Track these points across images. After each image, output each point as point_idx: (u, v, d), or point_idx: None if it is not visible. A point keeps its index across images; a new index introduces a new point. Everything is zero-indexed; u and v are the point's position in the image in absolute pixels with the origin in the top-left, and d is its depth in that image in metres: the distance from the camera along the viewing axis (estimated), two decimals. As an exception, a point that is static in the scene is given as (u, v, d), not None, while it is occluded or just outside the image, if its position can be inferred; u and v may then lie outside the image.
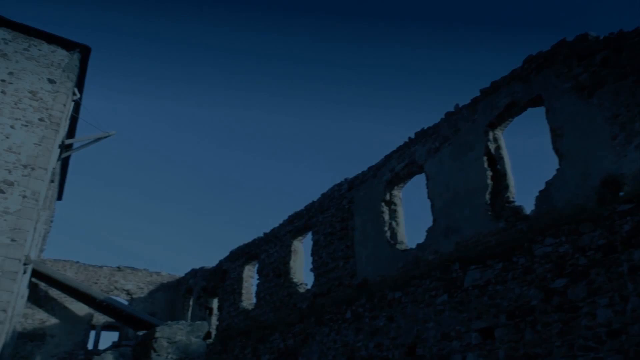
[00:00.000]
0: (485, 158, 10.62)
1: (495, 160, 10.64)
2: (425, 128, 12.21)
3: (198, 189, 70.70)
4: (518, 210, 9.82)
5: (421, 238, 11.62)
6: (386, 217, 12.87)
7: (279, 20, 64.47)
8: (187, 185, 70.94)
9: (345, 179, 14.67)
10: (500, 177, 10.51)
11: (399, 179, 12.87)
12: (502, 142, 10.78)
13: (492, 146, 10.67)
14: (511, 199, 10.18)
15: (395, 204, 12.98)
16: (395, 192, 13.04)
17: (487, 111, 10.81)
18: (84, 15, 64.79)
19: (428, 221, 11.58)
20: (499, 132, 10.80)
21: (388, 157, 13.16)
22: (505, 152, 10.68)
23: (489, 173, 10.50)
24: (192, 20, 65.60)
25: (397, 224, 12.73)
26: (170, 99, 68.98)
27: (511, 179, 10.45)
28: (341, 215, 14.30)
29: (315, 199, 15.65)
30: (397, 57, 63.29)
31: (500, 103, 10.55)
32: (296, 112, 69.47)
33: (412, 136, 12.47)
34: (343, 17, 61.94)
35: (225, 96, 69.79)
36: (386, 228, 12.70)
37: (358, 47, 64.91)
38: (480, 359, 9.03)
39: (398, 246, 12.22)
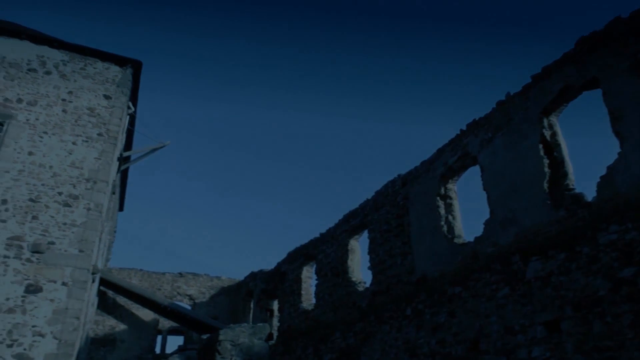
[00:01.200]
0: (540, 146, 10.29)
1: (552, 148, 10.30)
2: (476, 119, 11.96)
3: (253, 193, 71.74)
4: (579, 197, 9.47)
5: (478, 231, 11.40)
6: (442, 211, 12.69)
7: (330, 22, 64.66)
8: (242, 189, 72.10)
9: (399, 175, 14.55)
10: (557, 165, 10.17)
11: (453, 172, 12.66)
12: (558, 129, 10.43)
13: (547, 133, 10.34)
14: (571, 187, 9.83)
15: (450, 198, 12.78)
16: (449, 185, 12.84)
17: (540, 97, 10.48)
18: (133, 30, 66.87)
19: (485, 213, 11.34)
20: (553, 119, 10.45)
21: (440, 151, 12.96)
22: (561, 139, 10.32)
23: (546, 161, 10.18)
24: (241, 28, 66.63)
25: (454, 218, 12.52)
26: (219, 104, 70.28)
27: (569, 166, 10.09)
28: (396, 212, 14.19)
29: (369, 197, 15.59)
30: (442, 51, 62.37)
31: (553, 88, 10.21)
32: (350, 113, 69.48)
33: (464, 128, 12.24)
34: (395, 18, 61.61)
35: (276, 100, 70.54)
36: (442, 222, 12.52)
37: (406, 42, 64.35)
38: (547, 353, 8.77)
39: (455, 240, 12.02)
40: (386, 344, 12.97)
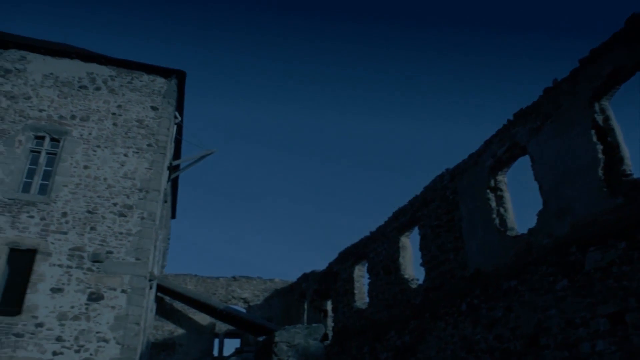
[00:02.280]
0: (593, 131, 9.92)
1: (605, 133, 9.91)
2: (523, 108, 11.64)
3: (302, 194, 72.16)
4: (637, 183, 9.09)
5: (532, 222, 11.10)
6: (493, 204, 12.42)
7: (371, 21, 64.48)
8: (291, 192, 72.61)
9: (447, 169, 14.34)
10: (612, 150, 9.78)
11: (502, 163, 12.37)
12: (610, 112, 10.01)
13: (599, 118, 9.96)
14: (628, 172, 9.42)
15: (501, 190, 12.49)
16: (499, 177, 12.55)
17: (589, 82, 10.11)
18: (174, 41, 68.31)
19: (537, 204, 11.05)
20: (605, 103, 10.05)
21: (488, 143, 12.69)
22: (615, 123, 9.90)
23: (599, 147, 9.79)
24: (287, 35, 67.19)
25: (505, 210, 12.23)
26: (262, 109, 71.00)
27: (625, 151, 9.65)
28: (446, 207, 14.00)
29: (418, 193, 15.44)
30: (483, 44, 61.19)
31: (603, 71, 9.82)
32: (396, 110, 69.07)
33: (511, 118, 11.95)
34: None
35: (321, 101, 70.79)
36: (494, 215, 12.25)
37: (447, 38, 63.48)
38: (613, 347, 8.46)
39: (508, 233, 11.74)
40: (442, 340, 12.82)
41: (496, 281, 11.43)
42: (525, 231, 11.26)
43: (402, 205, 16.05)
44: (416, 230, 15.38)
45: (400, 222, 15.99)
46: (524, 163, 11.89)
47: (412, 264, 15.69)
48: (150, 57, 71.80)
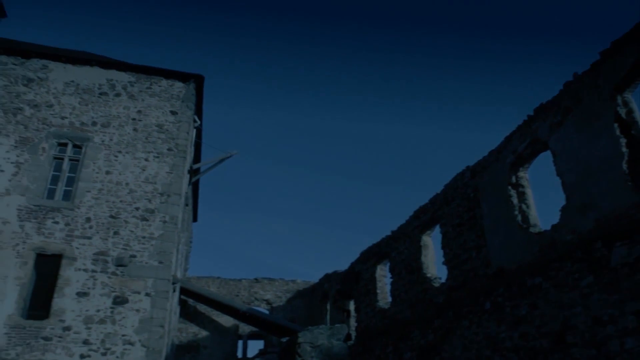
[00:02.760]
0: (616, 125, 9.75)
1: (629, 126, 9.74)
2: (544, 102, 11.48)
3: (322, 194, 72.21)
4: (663, 176, 8.93)
5: (554, 218, 10.95)
6: (515, 200, 12.27)
7: (393, 26, 64.31)
8: (311, 192, 72.71)
9: (468, 167, 14.22)
10: (636, 143, 9.61)
11: (523, 159, 12.22)
12: (634, 105, 9.82)
13: (622, 111, 9.77)
14: (653, 165, 9.27)
15: (522, 186, 12.34)
16: (520, 173, 12.39)
17: (611, 74, 9.93)
18: (192, 45, 68.84)
19: (559, 200, 10.89)
20: (628, 95, 9.86)
21: (508, 139, 12.55)
22: (639, 115, 9.74)
23: (623, 140, 9.61)
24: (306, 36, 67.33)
25: (528, 207, 12.09)
26: (281, 110, 71.20)
27: (651, 143, 9.50)
28: (467, 205, 13.88)
29: (438, 191, 15.34)
30: (500, 41, 60.64)
31: (626, 62, 9.65)
32: (414, 107, 68.81)
33: (531, 113, 11.80)
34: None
35: (339, 104, 70.77)
36: (516, 212, 12.11)
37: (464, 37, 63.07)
38: (643, 344, 8.30)
39: (531, 229, 11.59)
40: (466, 339, 12.71)
41: (520, 278, 11.30)
42: (548, 227, 11.11)
43: (423, 204, 15.96)
44: (438, 228, 15.28)
45: (421, 220, 15.90)
46: (545, 158, 11.76)
47: (434, 263, 15.59)
48: (169, 62, 72.55)
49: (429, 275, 15.25)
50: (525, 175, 12.45)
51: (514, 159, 12.31)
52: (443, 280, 14.60)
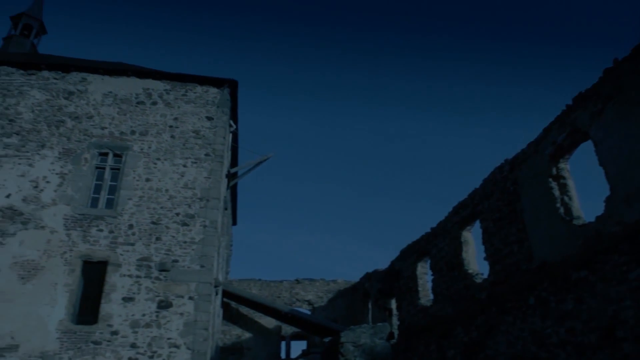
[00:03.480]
0: (660, 111, 9.44)
1: (674, 111, 9.41)
2: (582, 91, 11.19)
3: (359, 194, 72.07)
4: None
5: (599, 210, 10.64)
6: (556, 192, 11.99)
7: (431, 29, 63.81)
8: (347, 192, 72.63)
9: (506, 160, 13.98)
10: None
11: (563, 150, 11.92)
12: (678, 89, 9.50)
13: (666, 96, 9.47)
14: (701, 151, 8.92)
15: (563, 178, 12.05)
16: (561, 165, 12.10)
17: (653, 59, 9.63)
18: (223, 50, 69.63)
19: (604, 190, 10.58)
20: (672, 79, 9.55)
21: (547, 130, 12.27)
22: (683, 100, 9.40)
23: (668, 126, 9.31)
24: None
25: (570, 198, 11.79)
26: (315, 111, 71.36)
27: (697, 129, 9.15)
28: (507, 198, 13.65)
29: (477, 186, 15.14)
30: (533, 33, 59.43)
31: (668, 46, 9.35)
32: (451, 101, 68.06)
33: (570, 102, 11.51)
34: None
35: (377, 98, 70.58)
36: (558, 204, 11.83)
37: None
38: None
39: (575, 222, 11.30)
40: (511, 335, 12.50)
41: (564, 272, 11.05)
42: (592, 219, 10.82)
43: (462, 199, 15.77)
44: (477, 223, 15.07)
45: (461, 216, 15.72)
46: (586, 148, 11.45)
47: (475, 259, 15.39)
48: (203, 68, 73.59)
49: (470, 271, 15.06)
50: (566, 166, 12.15)
51: (554, 150, 12.03)
52: (485, 276, 14.40)
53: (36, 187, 16.21)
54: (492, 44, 68.69)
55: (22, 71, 18.11)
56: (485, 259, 14.21)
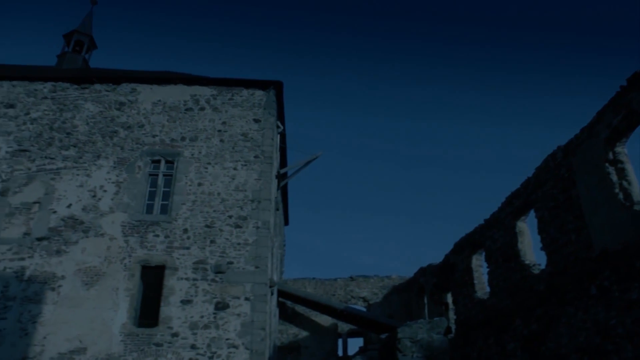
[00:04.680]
0: None
1: None
2: (638, 71, 10.71)
3: (409, 189, 71.42)
4: None
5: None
6: (614, 177, 11.51)
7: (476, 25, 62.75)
8: (397, 187, 72.10)
9: (559, 147, 13.54)
10: None
11: (619, 133, 11.42)
12: None
13: None
14: None
15: (621, 162, 11.54)
16: (618, 149, 11.59)
17: None
18: (267, 51, 70.27)
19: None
20: None
21: (600, 113, 11.80)
22: None
23: None
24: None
25: (629, 183, 11.29)
26: (361, 108, 71.12)
27: None
28: (562, 186, 13.22)
29: (530, 175, 14.73)
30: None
31: None
32: (500, 86, 66.63)
33: (624, 84, 11.03)
34: None
35: (421, 94, 69.81)
36: (617, 190, 11.35)
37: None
38: None
39: (636, 207, 10.82)
40: (573, 327, 12.11)
41: (627, 260, 10.60)
42: (655, 203, 10.35)
43: (514, 189, 15.39)
44: (532, 213, 14.67)
45: (514, 206, 15.34)
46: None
47: (531, 249, 14.98)
48: (248, 70, 74.52)
49: (527, 262, 14.67)
50: (623, 150, 11.65)
51: (609, 134, 11.56)
52: (542, 267, 14.00)
53: (94, 196, 16.85)
54: (539, 28, 66.77)
55: (76, 86, 18.87)
56: (541, 249, 13.80)
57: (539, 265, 14.38)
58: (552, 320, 12.87)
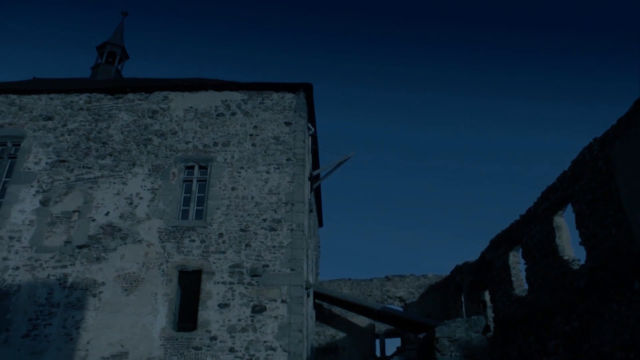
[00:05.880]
0: None
1: None
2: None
3: (441, 186, 70.77)
4: None
5: None
6: (655, 168, 11.19)
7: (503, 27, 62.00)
8: (433, 185, 71.50)
9: (595, 139, 13.21)
10: None
11: (659, 122, 11.12)
12: None
13: None
14: None
15: (662, 152, 11.23)
16: (658, 138, 11.28)
17: None
18: (294, 55, 70.57)
19: None
20: None
21: (638, 103, 11.50)
22: None
23: None
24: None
25: (671, 174, 10.97)
26: (391, 108, 70.79)
27: None
28: (600, 179, 12.90)
29: (565, 169, 14.43)
30: None
31: None
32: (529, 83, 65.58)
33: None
34: None
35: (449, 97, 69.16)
36: (658, 181, 11.03)
37: None
38: None
39: (678, 198, 10.52)
40: (617, 324, 11.79)
41: (671, 253, 10.30)
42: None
43: (550, 183, 15.10)
44: (569, 207, 14.36)
45: (551, 201, 15.03)
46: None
47: (570, 244, 14.65)
48: (279, 73, 74.95)
49: (566, 257, 14.36)
50: (663, 139, 11.32)
51: (648, 124, 11.25)
52: (582, 262, 13.70)
53: (131, 203, 17.21)
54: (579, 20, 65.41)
55: (110, 96, 19.32)
56: (580, 244, 13.48)
57: (579, 260, 14.06)
58: (595, 317, 12.57)
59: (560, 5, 65.29)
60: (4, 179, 18.12)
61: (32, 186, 17.61)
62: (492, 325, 18.23)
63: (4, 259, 16.35)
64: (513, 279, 17.30)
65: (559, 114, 69.28)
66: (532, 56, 69.86)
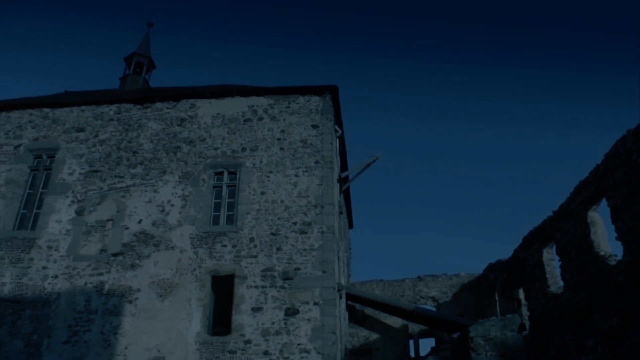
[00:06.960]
0: None
1: None
2: None
3: (474, 185, 70.06)
4: None
5: None
6: (693, 159, 10.91)
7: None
8: (462, 185, 70.84)
9: (628, 131, 12.93)
10: None
11: (695, 112, 10.84)
12: None
13: None
14: None
15: (698, 142, 10.94)
16: (694, 128, 11.00)
17: None
18: (319, 57, 70.71)
19: None
20: None
21: (672, 93, 11.24)
22: None
23: None
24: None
25: None
26: (417, 106, 70.34)
27: None
28: (635, 171, 12.61)
29: (598, 162, 14.16)
30: None
31: None
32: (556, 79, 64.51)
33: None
34: None
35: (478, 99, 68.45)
36: (696, 172, 10.75)
37: None
38: None
39: None
40: (657, 319, 11.53)
41: None
42: None
43: (582, 178, 14.82)
44: (604, 202, 14.07)
45: (584, 196, 14.76)
46: None
47: (606, 239, 14.36)
48: (305, 75, 75.25)
49: (602, 253, 14.07)
50: (699, 129, 11.04)
51: (683, 114, 10.97)
52: (619, 257, 13.41)
53: (162, 210, 17.48)
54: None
55: (138, 106, 19.68)
56: (617, 239, 13.20)
57: (615, 256, 13.77)
58: (634, 313, 12.29)
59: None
60: (40, 190, 18.63)
61: (67, 196, 18.04)
62: (527, 323, 17.98)
63: (44, 267, 16.80)
64: (547, 276, 17.03)
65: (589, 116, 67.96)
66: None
